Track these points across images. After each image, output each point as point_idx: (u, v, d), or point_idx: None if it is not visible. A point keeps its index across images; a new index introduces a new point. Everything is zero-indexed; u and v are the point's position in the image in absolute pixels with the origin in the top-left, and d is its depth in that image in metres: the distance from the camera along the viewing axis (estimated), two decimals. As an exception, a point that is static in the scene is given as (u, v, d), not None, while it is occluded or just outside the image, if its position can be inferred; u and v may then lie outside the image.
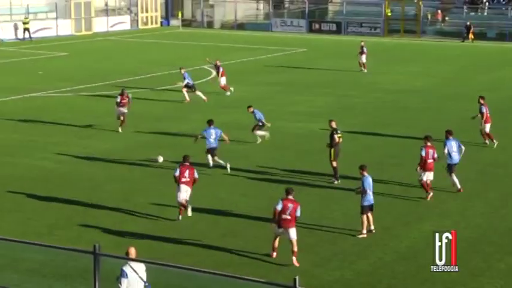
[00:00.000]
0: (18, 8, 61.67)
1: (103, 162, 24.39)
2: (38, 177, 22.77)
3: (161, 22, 71.00)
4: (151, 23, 70.14)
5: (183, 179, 18.89)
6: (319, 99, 35.31)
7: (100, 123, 29.37)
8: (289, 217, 16.30)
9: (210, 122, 23.73)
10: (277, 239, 16.58)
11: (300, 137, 28.05)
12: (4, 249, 14.98)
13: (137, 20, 69.27)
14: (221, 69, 35.97)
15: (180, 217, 18.96)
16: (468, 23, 59.67)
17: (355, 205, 18.53)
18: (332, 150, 22.08)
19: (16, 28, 59.02)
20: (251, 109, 26.64)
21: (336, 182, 22.04)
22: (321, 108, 33.13)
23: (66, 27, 62.61)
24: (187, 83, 33.99)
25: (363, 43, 43.41)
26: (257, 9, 74.53)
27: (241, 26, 69.58)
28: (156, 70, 43.56)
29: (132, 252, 12.66)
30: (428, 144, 20.73)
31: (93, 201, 20.42)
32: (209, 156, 23.29)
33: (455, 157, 21.34)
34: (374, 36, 61.98)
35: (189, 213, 18.97)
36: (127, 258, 12.45)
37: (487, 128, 26.08)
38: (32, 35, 58.72)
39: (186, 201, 18.97)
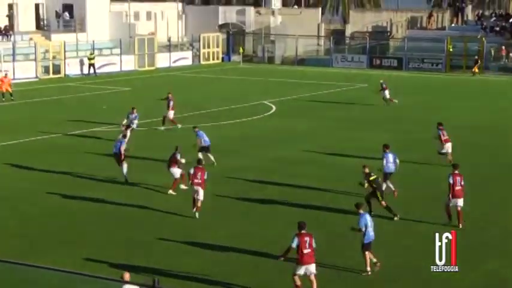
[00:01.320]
0: (84, 44, 63.16)
1: (170, 196, 24.66)
2: (100, 210, 23.14)
3: (222, 58, 71.79)
4: (213, 59, 71.00)
5: (196, 180, 21.52)
6: (379, 135, 35.12)
7: (162, 157, 29.63)
8: (309, 250, 16.14)
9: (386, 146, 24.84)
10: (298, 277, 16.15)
11: (360, 172, 27.87)
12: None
13: (199, 56, 70.20)
14: (171, 103, 36.14)
15: (197, 214, 21.75)
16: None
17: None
18: (377, 193, 21.92)
19: (82, 64, 60.38)
20: (196, 129, 28.47)
21: (395, 218, 21.80)
22: (381, 145, 32.90)
23: (129, 63, 63.81)
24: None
25: (381, 81, 44.83)
26: (318, 44, 74.79)
27: (302, 62, 69.89)
28: (218, 105, 44.00)
29: (127, 277, 13.35)
30: (456, 172, 21.36)
31: (157, 236, 20.63)
32: None
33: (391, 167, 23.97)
34: (436, 72, 61.57)
35: (199, 203, 21.74)
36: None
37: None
38: (97, 71, 59.99)
39: (198, 199, 21.70)
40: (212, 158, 28.28)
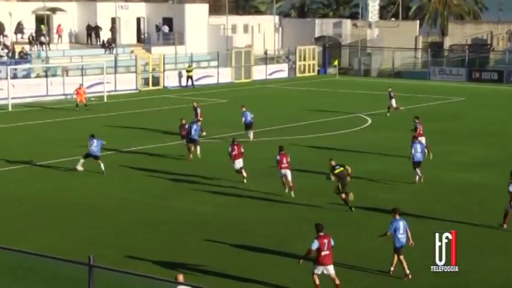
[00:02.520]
0: (183, 57, 64.18)
1: (258, 205, 24.69)
2: (194, 220, 23.34)
3: (318, 70, 71.67)
4: (309, 71, 70.95)
5: (283, 165, 25.11)
6: (477, 150, 34.32)
7: (260, 168, 29.71)
8: (328, 252, 16.53)
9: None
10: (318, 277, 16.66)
11: (457, 186, 27.33)
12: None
13: (295, 68, 70.28)
14: (199, 110, 37.63)
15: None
16: None
17: None
18: (338, 185, 23.47)
19: (180, 76, 61.32)
20: (243, 109, 35.09)
21: (352, 210, 23.37)
22: (479, 159, 32.19)
23: (226, 75, 64.45)
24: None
25: (390, 89, 45.53)
26: (415, 57, 73.73)
27: (398, 74, 69.03)
28: (313, 117, 43.87)
29: (180, 278, 13.73)
30: None
31: (246, 243, 20.65)
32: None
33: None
34: (538, 85, 59.71)
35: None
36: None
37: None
38: (195, 83, 60.81)
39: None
40: (251, 135, 35.72)
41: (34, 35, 59.27)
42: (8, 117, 44.01)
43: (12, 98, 47.64)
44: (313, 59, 71.41)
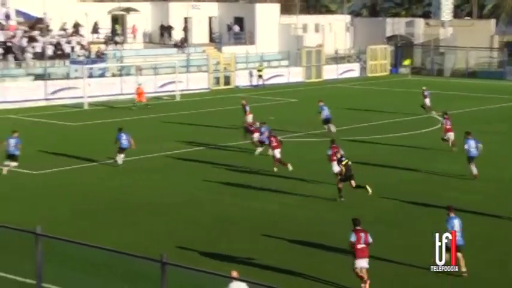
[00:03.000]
0: (254, 56, 64.52)
1: (329, 205, 24.70)
2: (264, 219, 23.49)
3: (390, 70, 71.07)
4: (380, 71, 70.42)
5: (334, 157, 25.71)
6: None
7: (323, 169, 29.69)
8: (364, 245, 17.05)
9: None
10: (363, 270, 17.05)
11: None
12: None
13: (366, 68, 69.85)
14: (247, 108, 38.16)
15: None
16: None
17: None
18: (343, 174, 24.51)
19: (251, 75, 61.62)
20: (321, 103, 37.11)
21: (369, 192, 24.41)
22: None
23: (297, 75, 64.49)
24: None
25: (424, 87, 45.55)
26: (490, 57, 72.40)
27: (472, 74, 67.94)
28: (385, 117, 43.57)
29: (234, 274, 14.02)
30: None
31: (323, 241, 20.68)
32: None
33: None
34: None
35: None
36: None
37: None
38: (265, 82, 61.04)
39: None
40: (333, 128, 36.84)
41: (109, 34, 60.40)
42: (84, 116, 44.99)
43: (88, 97, 48.67)
44: (385, 58, 70.85)
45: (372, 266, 17.29)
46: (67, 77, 52.85)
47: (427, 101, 44.28)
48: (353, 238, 17.04)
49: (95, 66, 54.07)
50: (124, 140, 30.57)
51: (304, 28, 71.93)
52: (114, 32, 61.06)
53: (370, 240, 17.17)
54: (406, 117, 43.75)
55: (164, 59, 58.64)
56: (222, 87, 59.08)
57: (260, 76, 60.98)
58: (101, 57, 56.30)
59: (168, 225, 22.72)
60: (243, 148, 34.38)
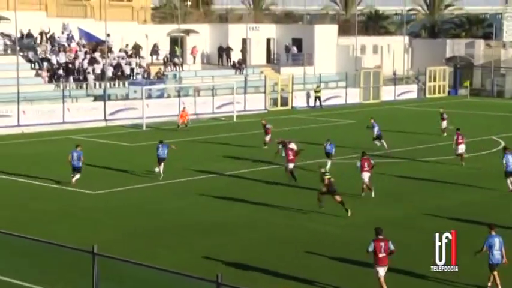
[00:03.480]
0: (311, 78, 64.58)
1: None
2: (320, 239, 23.40)
3: (449, 91, 70.30)
4: (439, 92, 69.72)
5: (365, 168, 28.48)
6: None
7: (388, 189, 29.47)
8: (384, 254, 17.69)
9: None
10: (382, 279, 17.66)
11: None
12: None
13: (424, 89, 69.23)
14: (268, 126, 40.82)
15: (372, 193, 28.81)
16: None
17: None
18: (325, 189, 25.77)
19: (308, 96, 61.61)
20: (372, 121, 38.91)
21: (348, 214, 25.56)
22: None
23: (354, 96, 64.24)
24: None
25: (442, 110, 46.16)
26: (555, 78, 71.12)
27: (535, 96, 66.83)
28: (443, 139, 43.07)
29: None
30: None
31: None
32: None
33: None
34: None
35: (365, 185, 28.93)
36: None
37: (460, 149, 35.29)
38: (322, 103, 60.94)
39: (365, 183, 28.90)
40: (385, 144, 38.44)
41: (168, 56, 61.15)
42: (142, 136, 45.51)
43: (147, 118, 49.23)
44: (444, 79, 70.13)
45: None
46: (126, 97, 53.61)
47: (445, 123, 44.56)
48: (371, 248, 17.74)
49: (153, 87, 54.76)
50: (161, 150, 32.08)
51: (363, 49, 71.76)
52: (173, 53, 61.80)
53: (392, 247, 17.75)
54: (465, 139, 43.12)
55: (222, 80, 59.11)
56: (279, 108, 59.19)
57: (317, 97, 60.92)
58: (160, 78, 57.03)
59: (223, 246, 22.79)
60: (303, 168, 34.36)
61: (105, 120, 50.26)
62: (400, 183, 31.75)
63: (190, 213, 26.95)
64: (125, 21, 61.15)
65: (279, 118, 54.12)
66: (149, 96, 53.19)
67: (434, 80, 69.72)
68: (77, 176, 30.84)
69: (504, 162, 29.02)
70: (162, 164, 32.16)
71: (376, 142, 38.84)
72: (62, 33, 57.36)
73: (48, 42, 56.19)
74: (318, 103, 60.81)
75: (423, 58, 72.60)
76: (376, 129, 39.20)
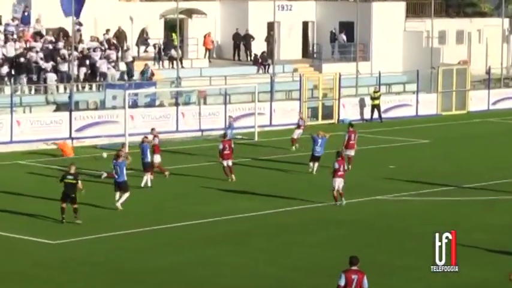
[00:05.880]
0: (367, 78, 64.30)
1: None
2: None
3: None
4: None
5: (339, 173, 34.55)
6: None
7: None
8: None
9: None
10: None
11: None
12: None
13: (532, 95, 68.89)
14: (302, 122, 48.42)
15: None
16: None
17: None
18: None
19: (362, 105, 61.25)
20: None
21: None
22: None
23: (430, 104, 63.86)
24: None
25: None
26: None
27: None
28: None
29: None
30: None
31: None
32: None
33: None
34: None
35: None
36: None
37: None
38: (383, 115, 60.62)
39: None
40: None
41: (162, 47, 61.20)
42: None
43: (130, 135, 48.75)
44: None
45: None
46: (101, 106, 53.69)
47: None
48: (342, 282, 19.45)
49: (140, 91, 54.77)
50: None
51: (442, 37, 71.63)
52: (169, 43, 61.87)
53: (366, 285, 19.57)
54: None
55: (238, 81, 59.13)
56: (321, 122, 58.95)
57: (375, 106, 60.71)
58: (149, 78, 57.10)
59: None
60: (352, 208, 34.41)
61: (71, 138, 50.28)
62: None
63: (193, 273, 26.96)
64: (100, -3, 61.40)
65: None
66: (134, 105, 53.24)
67: (546, 82, 69.51)
68: (125, 196, 33.72)
69: None
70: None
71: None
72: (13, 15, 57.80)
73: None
74: (376, 114, 60.60)
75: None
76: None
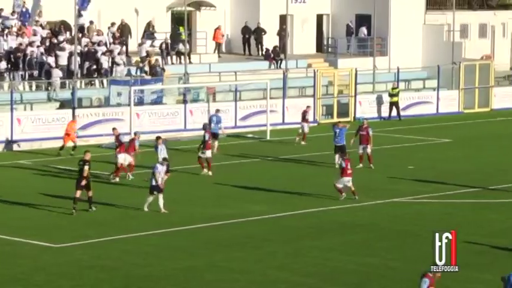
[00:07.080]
0: (385, 75, 64.31)
1: None
2: None
3: None
4: None
5: (348, 171, 36.22)
6: None
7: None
8: None
9: None
10: None
11: None
12: None
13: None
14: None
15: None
16: None
17: None
18: None
19: (380, 102, 61.31)
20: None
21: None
22: None
23: (451, 102, 63.93)
24: None
25: None
26: None
27: None
28: None
29: None
30: None
31: None
32: None
33: None
34: None
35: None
36: None
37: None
38: (402, 112, 60.67)
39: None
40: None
41: (169, 41, 61.30)
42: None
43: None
44: None
45: None
46: (105, 103, 53.87)
47: None
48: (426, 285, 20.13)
49: (146, 87, 54.92)
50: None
51: (464, 31, 71.61)
52: (176, 37, 61.96)
53: None
54: None
55: (249, 77, 59.27)
56: (336, 120, 58.89)
57: (394, 103, 60.75)
58: (155, 75, 57.21)
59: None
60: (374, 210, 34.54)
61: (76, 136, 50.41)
62: None
63: (203, 279, 27.04)
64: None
65: (326, 136, 53.73)
66: (140, 102, 53.38)
67: None
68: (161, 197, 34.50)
69: None
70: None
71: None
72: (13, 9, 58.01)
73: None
74: (394, 112, 60.65)
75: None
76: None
